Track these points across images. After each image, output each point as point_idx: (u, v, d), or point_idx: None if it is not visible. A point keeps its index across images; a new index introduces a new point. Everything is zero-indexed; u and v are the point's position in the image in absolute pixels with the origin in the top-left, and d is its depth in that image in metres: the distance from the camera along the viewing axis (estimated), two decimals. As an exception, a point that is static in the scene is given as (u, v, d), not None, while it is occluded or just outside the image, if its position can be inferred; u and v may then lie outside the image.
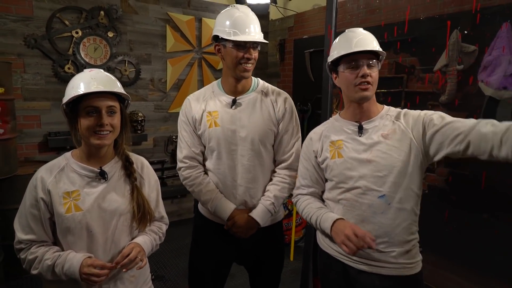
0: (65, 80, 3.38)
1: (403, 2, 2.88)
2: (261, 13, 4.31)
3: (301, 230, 3.51)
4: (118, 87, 1.22)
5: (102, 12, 3.48)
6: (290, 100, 1.68)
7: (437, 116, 1.25)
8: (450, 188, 2.62)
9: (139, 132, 3.74)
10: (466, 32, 2.41)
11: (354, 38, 1.32)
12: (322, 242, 1.48)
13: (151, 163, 1.65)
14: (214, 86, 1.68)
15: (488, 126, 1.11)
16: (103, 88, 1.17)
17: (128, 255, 1.19)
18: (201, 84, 4.24)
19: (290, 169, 1.64)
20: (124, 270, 1.18)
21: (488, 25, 2.30)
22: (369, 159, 1.30)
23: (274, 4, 4.28)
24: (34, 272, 1.19)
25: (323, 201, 1.49)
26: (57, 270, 1.16)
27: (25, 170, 2.93)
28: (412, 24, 2.76)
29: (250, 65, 1.52)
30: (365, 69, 1.28)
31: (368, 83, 1.28)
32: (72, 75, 3.36)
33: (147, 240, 1.30)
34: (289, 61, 4.38)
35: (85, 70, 1.24)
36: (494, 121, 1.12)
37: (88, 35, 3.45)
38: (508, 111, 2.25)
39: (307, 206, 1.47)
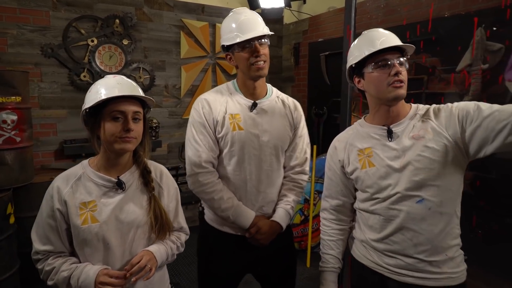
0: (81, 88, 3.41)
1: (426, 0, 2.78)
2: (275, 17, 4.27)
3: (317, 236, 3.41)
4: (142, 93, 1.20)
5: (117, 21, 3.50)
6: (300, 106, 1.73)
7: (473, 109, 1.15)
8: (476, 192, 2.49)
9: (153, 138, 3.73)
10: (494, 29, 2.29)
11: (378, 37, 1.25)
12: (357, 252, 1.40)
13: (165, 169, 1.61)
14: (230, 87, 1.61)
15: None
16: (129, 92, 1.14)
17: (138, 263, 1.15)
18: (216, 89, 4.21)
19: (303, 174, 1.67)
20: (133, 279, 1.13)
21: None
22: (403, 165, 1.21)
23: (288, 8, 4.23)
24: (50, 283, 1.17)
25: (353, 212, 1.42)
26: (72, 282, 1.12)
27: (41, 178, 2.94)
28: (436, 22, 2.66)
29: (262, 62, 1.46)
30: (398, 67, 1.20)
31: (401, 81, 1.21)
32: (88, 83, 3.40)
33: (161, 248, 1.24)
34: (304, 65, 4.32)
35: (107, 75, 1.22)
36: None
37: (104, 43, 3.48)
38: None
39: (322, 240, 1.48)
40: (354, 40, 1.76)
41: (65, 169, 3.44)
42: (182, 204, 1.42)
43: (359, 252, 1.37)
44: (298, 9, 4.34)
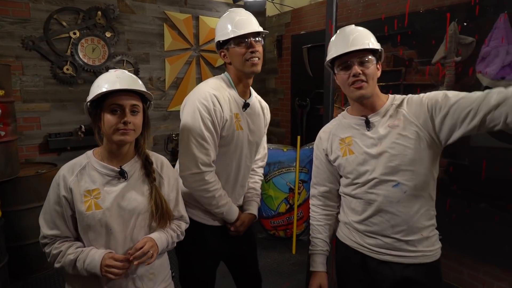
0: (64, 81, 3.39)
1: None
2: (258, 10, 4.31)
3: (302, 224, 3.53)
4: (141, 87, 1.25)
5: (99, 13, 3.47)
6: None
7: (442, 97, 1.23)
8: (450, 178, 2.64)
9: (139, 131, 3.75)
10: (465, 24, 2.42)
11: (347, 37, 1.32)
12: (341, 233, 1.49)
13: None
14: (227, 82, 1.59)
15: (495, 96, 1.10)
16: (127, 86, 1.19)
17: (141, 248, 1.21)
18: (200, 82, 4.22)
19: (263, 167, 1.89)
20: (135, 262, 1.19)
21: (486, 16, 2.33)
22: (379, 152, 1.30)
23: (270, 1, 4.29)
24: (57, 265, 1.22)
25: (339, 198, 1.51)
26: (78, 264, 1.18)
27: (27, 172, 2.94)
28: (412, 17, 2.77)
29: (256, 58, 1.50)
30: (356, 68, 1.28)
31: (362, 80, 1.28)
32: (71, 76, 3.38)
33: (162, 236, 1.30)
34: (286, 57, 4.39)
35: (110, 70, 1.26)
36: (501, 88, 1.11)
37: (86, 35, 3.44)
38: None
39: (311, 225, 1.57)
40: (335, 33, 1.85)
41: (50, 163, 3.41)
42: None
43: (343, 234, 1.47)
44: (280, 2, 4.39)
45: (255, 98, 1.69)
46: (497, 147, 2.34)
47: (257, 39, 1.51)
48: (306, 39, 3.94)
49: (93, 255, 1.18)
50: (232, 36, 1.48)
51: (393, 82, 2.99)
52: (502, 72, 2.21)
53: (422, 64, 2.77)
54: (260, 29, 1.54)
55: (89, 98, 1.21)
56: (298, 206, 3.43)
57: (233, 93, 1.57)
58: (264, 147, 1.86)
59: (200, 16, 4.14)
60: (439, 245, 1.36)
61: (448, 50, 2.52)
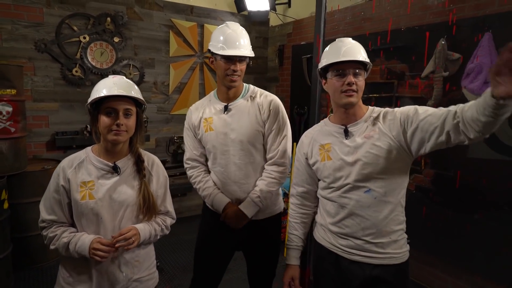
0: (73, 82, 3.56)
1: (386, 13, 3.07)
2: (262, 19, 4.47)
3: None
4: (135, 93, 1.38)
5: (108, 19, 3.66)
6: (276, 101, 1.81)
7: (412, 112, 1.32)
8: (435, 188, 2.74)
9: (142, 132, 3.89)
10: (443, 42, 2.56)
11: (342, 47, 1.43)
12: (317, 234, 1.60)
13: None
14: (211, 95, 1.88)
15: (454, 115, 1.18)
16: (123, 92, 1.33)
17: (125, 234, 1.34)
18: (202, 87, 4.39)
19: (277, 165, 1.79)
20: (117, 245, 1.32)
21: (470, 34, 2.45)
22: (354, 160, 1.41)
23: (273, 12, 4.44)
24: (52, 247, 1.37)
25: (317, 199, 1.61)
26: (71, 247, 1.32)
27: (34, 167, 3.09)
28: (393, 34, 2.96)
29: (236, 76, 1.70)
30: (351, 78, 1.38)
31: (353, 90, 1.39)
32: (79, 78, 3.56)
33: (146, 227, 1.43)
34: (287, 66, 4.53)
35: (109, 76, 1.41)
36: (460, 105, 1.19)
37: (95, 40, 3.63)
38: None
39: (289, 222, 1.70)
40: (323, 47, 1.98)
41: (56, 160, 3.57)
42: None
43: (319, 235, 1.58)
44: (283, 13, 4.54)
45: (248, 98, 1.79)
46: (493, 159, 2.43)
47: (242, 57, 1.69)
48: (306, 50, 4.07)
49: (83, 239, 1.32)
50: (220, 53, 1.66)
51: (386, 94, 3.11)
52: (484, 88, 2.30)
53: (413, 78, 2.88)
54: (247, 52, 1.70)
55: (89, 100, 1.35)
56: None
57: (213, 100, 1.84)
58: (276, 143, 1.77)
59: (205, 24, 4.30)
60: (407, 248, 1.46)
61: (436, 65, 2.63)
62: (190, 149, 1.88)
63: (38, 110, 3.46)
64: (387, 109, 1.46)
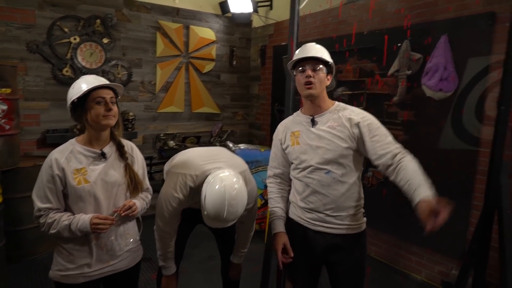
0: (63, 82, 3.71)
1: (350, 18, 3.36)
2: (245, 21, 4.69)
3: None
4: (113, 84, 1.59)
5: (98, 21, 3.83)
6: None
7: (371, 127, 1.59)
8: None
9: (129, 130, 4.06)
10: (399, 44, 2.85)
11: (303, 49, 1.70)
12: (290, 210, 1.83)
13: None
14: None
15: (394, 156, 1.51)
16: (108, 83, 1.53)
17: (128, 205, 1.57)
18: (188, 86, 4.60)
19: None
20: (123, 214, 1.55)
21: (428, 36, 2.73)
22: (318, 145, 1.65)
23: (256, 13, 4.66)
24: (52, 231, 1.51)
25: (290, 180, 1.83)
26: (72, 227, 1.49)
27: (26, 163, 3.22)
28: (358, 37, 3.27)
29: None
30: (309, 72, 1.62)
31: (311, 82, 1.62)
32: (70, 78, 3.72)
33: (138, 202, 1.67)
34: (269, 66, 4.77)
35: (84, 76, 1.59)
36: (398, 156, 1.50)
37: (85, 41, 3.79)
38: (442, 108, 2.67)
39: (270, 199, 1.87)
40: (296, 48, 2.22)
41: (47, 157, 3.68)
42: (154, 192, 1.83)
43: (291, 211, 1.82)
44: (265, 15, 4.78)
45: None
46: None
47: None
48: (286, 50, 4.30)
49: (83, 219, 1.50)
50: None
51: (358, 91, 3.38)
52: (440, 85, 2.60)
53: (382, 76, 3.16)
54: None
55: (74, 96, 1.49)
56: (273, 201, 3.77)
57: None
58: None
59: (191, 26, 4.51)
60: (363, 220, 1.71)
61: (400, 64, 2.91)
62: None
63: (30, 109, 3.60)
64: (356, 108, 1.69)
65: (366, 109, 1.74)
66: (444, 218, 1.23)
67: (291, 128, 1.77)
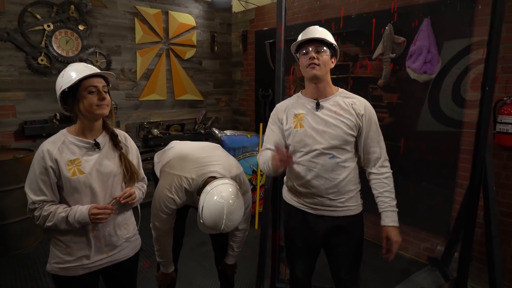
0: (39, 71, 3.56)
1: (338, 2, 3.36)
2: (225, 6, 4.61)
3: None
4: (104, 72, 1.53)
5: (72, 6, 3.65)
6: None
7: (371, 123, 1.67)
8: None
9: (112, 119, 3.96)
10: (386, 27, 2.88)
11: (308, 32, 1.68)
12: (287, 196, 1.84)
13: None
14: None
15: (374, 164, 1.70)
16: (99, 71, 1.47)
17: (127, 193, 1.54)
18: (169, 73, 4.50)
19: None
20: (122, 201, 1.52)
21: (412, 20, 2.77)
22: (324, 130, 1.65)
23: (236, -2, 4.59)
24: (48, 224, 1.46)
25: None
26: (70, 219, 1.45)
27: (4, 157, 3.11)
28: (345, 20, 3.27)
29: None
30: (312, 53, 1.61)
31: (315, 64, 1.61)
32: (45, 67, 3.57)
33: (136, 190, 1.63)
34: (251, 51, 4.73)
35: (71, 64, 1.53)
36: (378, 168, 1.69)
37: (60, 28, 3.62)
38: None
39: (262, 154, 1.81)
40: (284, 33, 2.21)
41: (26, 149, 3.60)
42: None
43: (288, 196, 1.83)
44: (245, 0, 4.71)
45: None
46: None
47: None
48: (269, 35, 4.28)
49: (81, 210, 1.46)
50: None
51: (343, 75, 3.41)
52: (424, 67, 2.65)
53: (367, 60, 3.20)
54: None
55: (65, 86, 1.44)
56: (260, 186, 3.81)
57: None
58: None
59: (169, 11, 4.38)
60: (361, 201, 1.76)
61: (384, 48, 2.95)
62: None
63: (4, 100, 3.44)
64: (358, 97, 1.71)
65: (351, 92, 1.77)
66: (395, 248, 1.66)
67: (293, 110, 1.74)
